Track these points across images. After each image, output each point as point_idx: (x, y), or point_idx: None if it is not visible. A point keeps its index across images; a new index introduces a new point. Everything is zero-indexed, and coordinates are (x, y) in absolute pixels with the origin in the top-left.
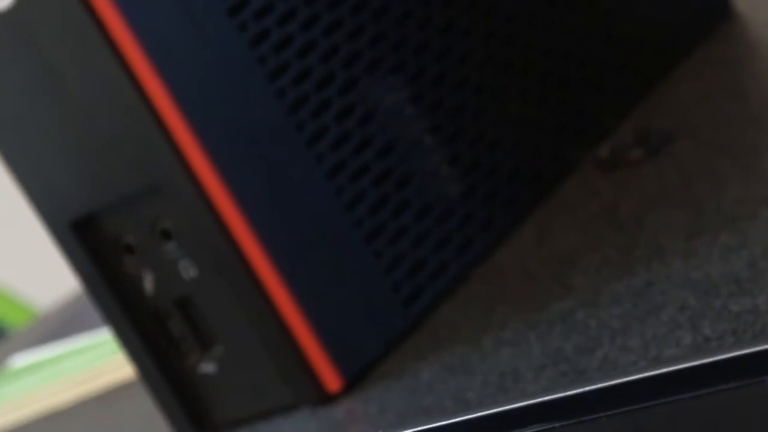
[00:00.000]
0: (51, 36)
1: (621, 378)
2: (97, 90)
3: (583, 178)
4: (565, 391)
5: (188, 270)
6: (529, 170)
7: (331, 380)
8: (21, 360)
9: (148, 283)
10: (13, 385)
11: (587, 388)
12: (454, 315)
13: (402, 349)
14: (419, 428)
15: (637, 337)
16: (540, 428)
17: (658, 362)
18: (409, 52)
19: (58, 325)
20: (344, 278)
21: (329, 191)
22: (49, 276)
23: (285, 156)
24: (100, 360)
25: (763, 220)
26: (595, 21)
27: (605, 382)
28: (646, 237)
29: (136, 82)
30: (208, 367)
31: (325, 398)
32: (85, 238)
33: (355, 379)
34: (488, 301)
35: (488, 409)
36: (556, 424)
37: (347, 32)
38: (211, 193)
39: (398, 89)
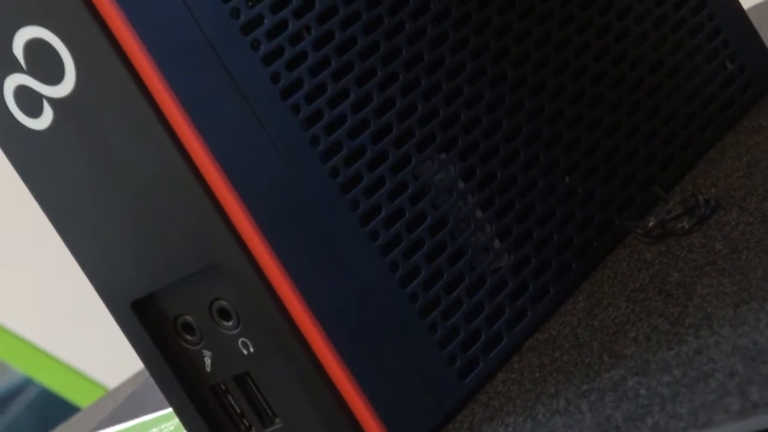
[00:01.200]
0: (109, 119)
1: None
2: (155, 172)
3: (631, 249)
4: None
5: (246, 347)
6: (578, 241)
7: None
8: None
9: (208, 360)
10: None
11: None
12: (508, 386)
13: (457, 420)
14: None
15: (687, 404)
16: None
17: (708, 429)
18: (459, 129)
19: (127, 403)
20: (400, 352)
21: (383, 267)
22: (118, 354)
23: (339, 234)
24: None
25: None
26: (642, 93)
27: None
28: (694, 305)
29: (192, 163)
30: None
31: None
32: (145, 317)
33: None
34: (541, 371)
35: None
36: None
37: (398, 111)
38: (267, 271)
39: (449, 166)
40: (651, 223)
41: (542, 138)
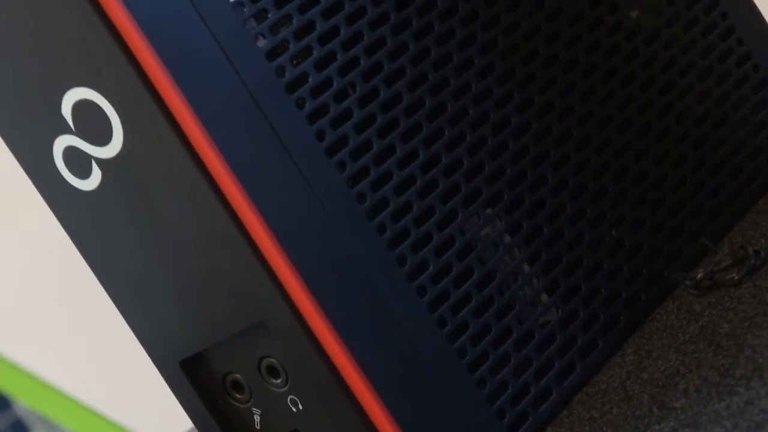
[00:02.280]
0: (157, 179)
1: None
2: (202, 231)
3: (680, 300)
4: None
5: (295, 404)
6: (627, 294)
7: None
8: None
9: (257, 418)
10: None
11: None
12: None
13: None
14: None
15: None
16: None
17: None
18: (505, 184)
19: None
20: (449, 407)
21: (431, 323)
22: (167, 413)
23: (387, 290)
24: None
25: None
26: (689, 145)
27: None
28: (744, 356)
29: (239, 222)
30: None
31: None
32: (194, 376)
33: None
34: (590, 424)
35: None
36: None
37: (444, 166)
38: (315, 329)
39: (495, 220)
40: (700, 275)
41: (588, 191)
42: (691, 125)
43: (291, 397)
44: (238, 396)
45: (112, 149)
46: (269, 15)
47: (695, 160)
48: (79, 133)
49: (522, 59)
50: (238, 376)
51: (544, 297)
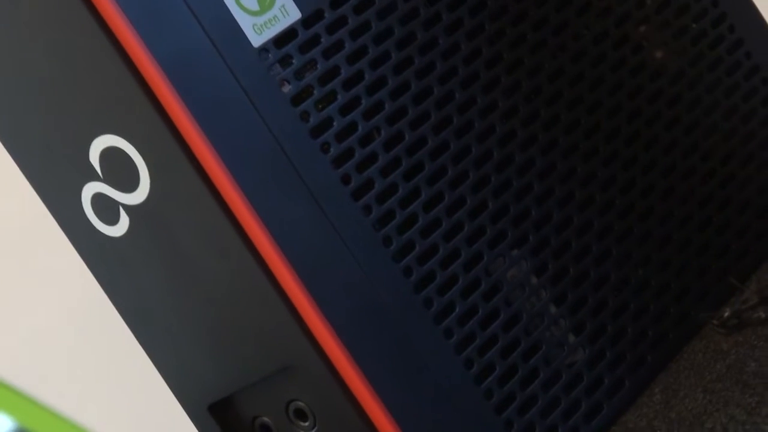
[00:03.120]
0: (184, 225)
1: None
2: (229, 276)
3: (707, 339)
4: None
5: None
6: (653, 334)
7: None
8: None
9: None
10: None
11: None
12: None
13: None
14: None
15: None
16: None
17: None
18: (530, 225)
19: None
20: None
21: (458, 365)
22: None
23: (414, 332)
24: None
25: None
26: (715, 184)
27: None
28: None
29: (265, 267)
30: None
31: None
32: (222, 419)
33: None
34: None
35: None
36: None
37: (469, 209)
38: (342, 372)
39: (521, 262)
40: (727, 314)
41: (614, 231)
42: (717, 164)
43: None
44: None
45: (139, 195)
46: (294, 60)
47: (721, 198)
48: (107, 180)
49: (546, 101)
50: (266, 419)
51: (571, 337)
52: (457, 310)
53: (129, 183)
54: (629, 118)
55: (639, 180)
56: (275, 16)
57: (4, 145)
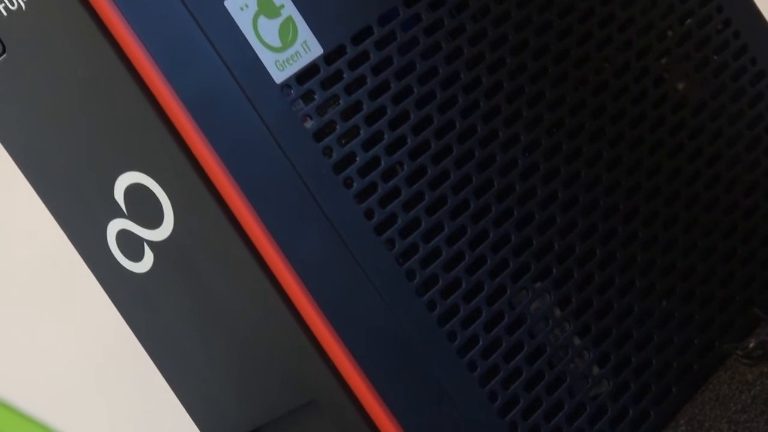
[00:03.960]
0: (207, 260)
1: None
2: (253, 311)
3: (732, 370)
4: None
5: None
6: (678, 365)
7: None
8: None
9: None
10: None
11: None
12: None
13: None
14: None
15: None
16: None
17: None
18: (553, 258)
19: None
20: None
21: (482, 397)
22: None
23: (437, 365)
24: None
25: None
26: (738, 216)
27: None
28: None
29: (289, 302)
30: None
31: None
32: None
33: None
34: None
35: None
36: None
37: (492, 242)
38: (366, 405)
39: (544, 295)
40: (751, 345)
41: (637, 264)
42: (740, 195)
43: None
44: None
45: (163, 232)
46: (316, 96)
47: (745, 230)
48: (132, 217)
49: (568, 134)
50: None
51: (595, 369)
52: (480, 343)
53: (153, 219)
54: (651, 150)
55: (662, 211)
56: (297, 53)
57: (31, 182)
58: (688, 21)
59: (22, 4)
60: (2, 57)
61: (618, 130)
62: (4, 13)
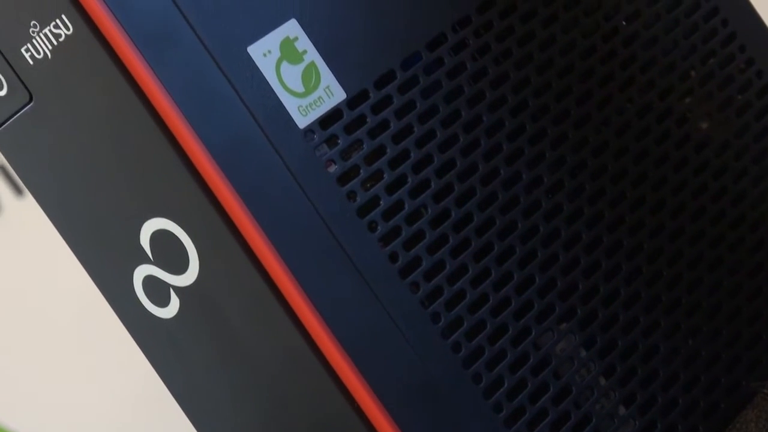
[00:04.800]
0: (233, 306)
1: None
2: (279, 357)
3: (759, 409)
4: None
5: None
6: (704, 404)
7: None
8: None
9: None
10: None
11: None
12: None
13: None
14: None
15: None
16: None
17: None
18: (577, 299)
19: None
20: None
21: None
22: None
23: (463, 407)
24: None
25: None
26: (766, 255)
27: None
28: None
29: (315, 348)
30: None
31: None
32: None
33: None
34: None
35: None
36: None
37: (516, 284)
38: None
39: (569, 335)
40: None
41: (662, 303)
42: (765, 235)
43: None
44: None
45: (188, 277)
46: (339, 141)
47: None
48: (157, 262)
49: (591, 175)
50: None
51: (622, 409)
52: (506, 384)
53: (179, 265)
54: (675, 190)
55: (686, 251)
56: (320, 97)
57: (58, 228)
58: (711, 61)
59: (48, 54)
60: (30, 105)
61: (641, 170)
62: (31, 62)
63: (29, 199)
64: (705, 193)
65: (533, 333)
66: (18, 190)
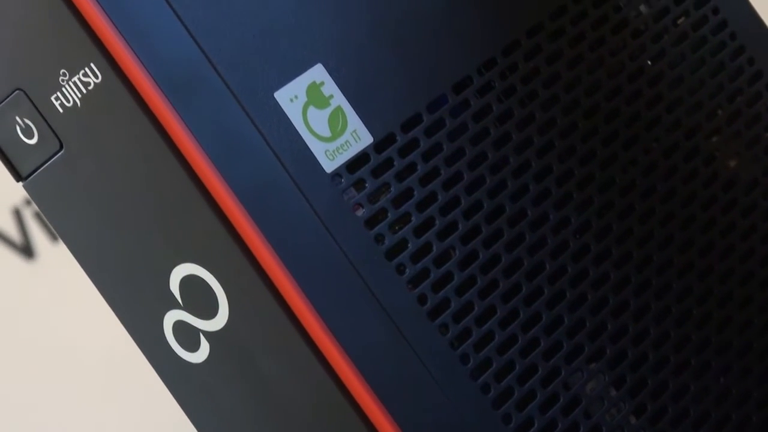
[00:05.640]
0: (263, 351)
1: None
2: (310, 402)
3: None
4: None
5: None
6: None
7: None
8: None
9: None
10: None
11: None
12: None
13: None
14: None
15: None
16: None
17: None
18: (607, 338)
19: None
20: None
21: None
22: None
23: None
24: None
25: None
26: None
27: None
28: None
29: (346, 392)
30: None
31: None
32: None
33: None
34: None
35: None
36: None
37: (545, 324)
38: None
39: (599, 375)
40: None
41: (692, 342)
42: None
43: None
44: None
45: (218, 322)
46: (367, 184)
47: None
48: (187, 308)
49: (618, 215)
50: None
51: None
52: (536, 425)
53: (208, 310)
54: (703, 229)
55: (716, 290)
56: (347, 142)
57: (88, 273)
58: (738, 99)
59: (78, 102)
60: (60, 153)
61: (668, 209)
62: (60, 110)
63: (63, 245)
64: (734, 232)
65: (563, 373)
66: (53, 236)
